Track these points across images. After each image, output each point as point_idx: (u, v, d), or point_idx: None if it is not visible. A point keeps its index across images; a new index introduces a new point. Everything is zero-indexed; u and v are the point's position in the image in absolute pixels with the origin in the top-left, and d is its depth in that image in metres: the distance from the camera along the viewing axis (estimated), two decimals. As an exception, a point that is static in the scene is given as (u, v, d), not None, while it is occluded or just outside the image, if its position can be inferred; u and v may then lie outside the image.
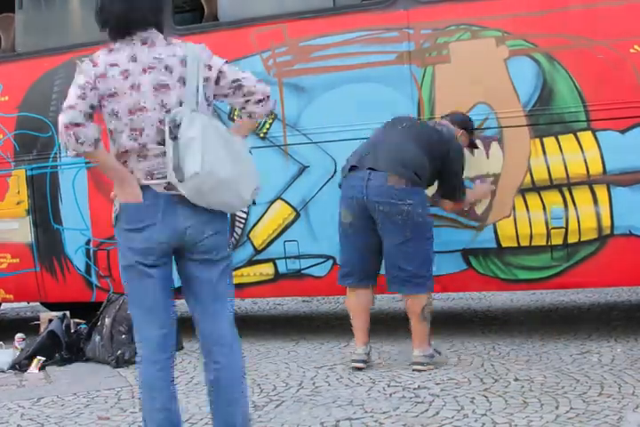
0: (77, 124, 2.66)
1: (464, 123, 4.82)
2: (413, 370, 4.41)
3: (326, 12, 5.35)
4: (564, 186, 4.82)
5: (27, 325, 6.28)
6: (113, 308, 5.27)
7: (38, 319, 5.83)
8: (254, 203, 4.68)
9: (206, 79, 2.80)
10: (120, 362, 5.04)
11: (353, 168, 4.53)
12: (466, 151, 4.86)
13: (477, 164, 4.93)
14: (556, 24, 4.80)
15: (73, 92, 2.76)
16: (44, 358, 5.07)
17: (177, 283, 5.72)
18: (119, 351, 5.08)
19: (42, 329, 5.51)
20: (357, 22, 5.18)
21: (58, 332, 5.24)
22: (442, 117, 4.89)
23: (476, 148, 4.91)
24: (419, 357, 4.45)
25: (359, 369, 4.48)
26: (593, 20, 4.74)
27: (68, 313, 5.55)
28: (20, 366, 5.09)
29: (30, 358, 5.12)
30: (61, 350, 5.20)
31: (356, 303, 4.62)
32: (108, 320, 5.20)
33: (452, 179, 4.70)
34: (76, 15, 6.39)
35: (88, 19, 6.27)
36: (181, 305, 7.98)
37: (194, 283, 2.89)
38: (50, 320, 5.44)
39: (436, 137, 4.60)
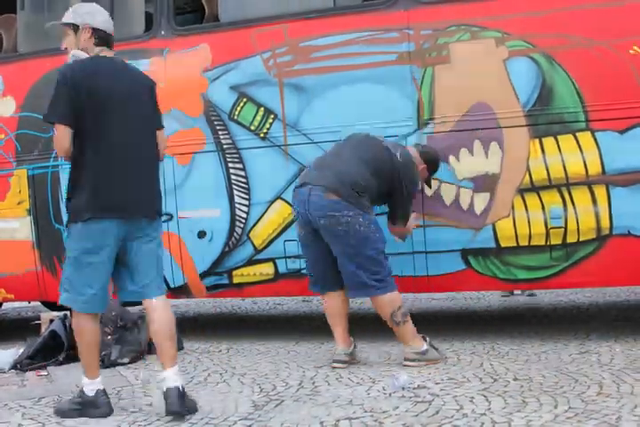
0: None
1: (432, 161, 4.88)
2: (404, 365, 4.52)
3: (327, 12, 5.37)
4: (563, 186, 4.83)
5: (28, 325, 6.30)
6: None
7: (39, 319, 5.84)
8: None
9: None
10: (106, 363, 5.04)
11: (302, 184, 4.66)
12: (465, 151, 4.89)
13: (477, 164, 4.94)
14: (555, 24, 4.81)
15: None
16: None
17: (177, 282, 5.73)
18: (103, 353, 5.09)
19: (43, 329, 5.52)
20: (358, 23, 5.20)
21: (59, 332, 5.24)
22: (415, 145, 4.94)
23: (429, 186, 5.01)
24: (409, 353, 4.57)
25: (339, 368, 4.59)
26: (593, 20, 4.75)
27: (68, 313, 5.56)
28: (21, 365, 5.10)
29: (31, 357, 5.13)
30: (63, 350, 5.20)
31: (329, 309, 4.79)
32: (95, 322, 5.21)
33: (396, 201, 4.73)
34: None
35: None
36: (182, 305, 7.98)
37: None
38: (51, 320, 5.44)
39: (386, 157, 4.64)
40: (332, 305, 4.75)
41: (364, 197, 4.54)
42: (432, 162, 4.87)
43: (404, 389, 3.95)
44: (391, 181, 4.63)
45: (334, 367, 4.60)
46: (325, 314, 4.83)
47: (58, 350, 5.19)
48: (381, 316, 4.63)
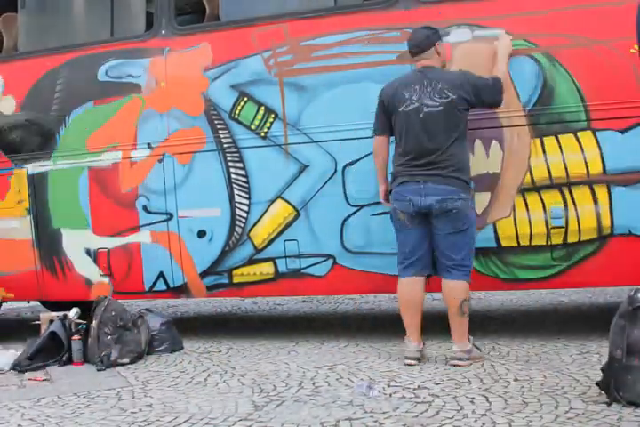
0: None
1: (435, 35, 4.70)
2: (451, 365, 4.50)
3: (327, 11, 5.36)
4: (564, 185, 4.81)
5: (27, 325, 6.28)
6: (99, 309, 5.25)
7: (39, 320, 5.82)
8: None
9: None
10: (105, 363, 5.03)
11: (402, 181, 4.61)
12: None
13: (478, 163, 4.93)
14: (556, 24, 4.80)
15: None
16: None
17: (176, 281, 5.71)
18: (103, 353, 5.07)
19: (42, 330, 5.50)
20: (358, 22, 5.19)
21: (59, 333, 5.21)
22: (413, 53, 4.73)
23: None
24: (457, 352, 4.56)
25: (411, 366, 4.56)
26: (594, 19, 4.74)
27: (68, 313, 5.53)
28: (20, 366, 5.08)
29: (31, 358, 5.11)
30: (63, 351, 5.18)
31: (409, 298, 4.70)
32: (95, 322, 5.19)
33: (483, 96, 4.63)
34: (77, 15, 6.39)
35: (90, 18, 6.34)
36: (182, 306, 8.00)
37: None
38: (50, 321, 5.42)
39: (457, 97, 4.55)
40: (413, 293, 4.67)
41: (468, 176, 4.64)
42: (436, 36, 4.71)
43: (366, 394, 3.91)
44: (471, 98, 4.60)
45: (407, 364, 4.58)
46: (400, 304, 4.78)
47: (57, 350, 5.18)
48: (449, 303, 4.62)
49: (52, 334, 5.22)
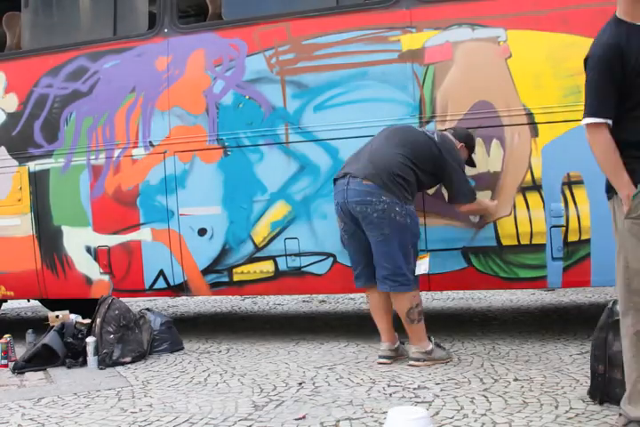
0: None
1: (466, 137, 4.83)
2: (409, 365, 4.54)
3: (329, 10, 5.36)
4: (565, 184, 4.81)
5: (26, 325, 6.28)
6: (103, 308, 5.24)
7: (43, 320, 5.78)
8: None
9: None
10: (107, 361, 5.03)
11: (342, 175, 4.69)
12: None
13: (478, 162, 4.93)
14: (557, 23, 4.80)
15: None
16: None
17: (177, 279, 5.69)
18: (105, 351, 5.06)
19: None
20: (360, 21, 5.19)
21: (53, 345, 5.11)
22: (445, 130, 4.90)
23: (473, 166, 4.94)
24: (415, 353, 4.58)
25: (384, 364, 4.62)
26: (594, 18, 4.74)
27: (68, 319, 5.46)
28: (16, 368, 5.04)
29: (28, 361, 5.08)
30: (57, 361, 5.11)
31: (372, 304, 4.81)
32: (98, 320, 5.18)
33: (448, 179, 4.71)
34: (80, 13, 6.38)
35: (92, 17, 6.33)
36: (182, 306, 7.98)
37: None
38: (57, 316, 5.40)
39: (423, 138, 4.64)
40: (374, 300, 4.76)
41: (403, 185, 4.52)
42: (468, 139, 4.82)
43: None
44: (434, 161, 4.61)
45: (380, 363, 4.63)
46: (370, 310, 4.84)
47: (53, 360, 5.12)
48: (397, 311, 4.64)
49: (46, 347, 5.11)
